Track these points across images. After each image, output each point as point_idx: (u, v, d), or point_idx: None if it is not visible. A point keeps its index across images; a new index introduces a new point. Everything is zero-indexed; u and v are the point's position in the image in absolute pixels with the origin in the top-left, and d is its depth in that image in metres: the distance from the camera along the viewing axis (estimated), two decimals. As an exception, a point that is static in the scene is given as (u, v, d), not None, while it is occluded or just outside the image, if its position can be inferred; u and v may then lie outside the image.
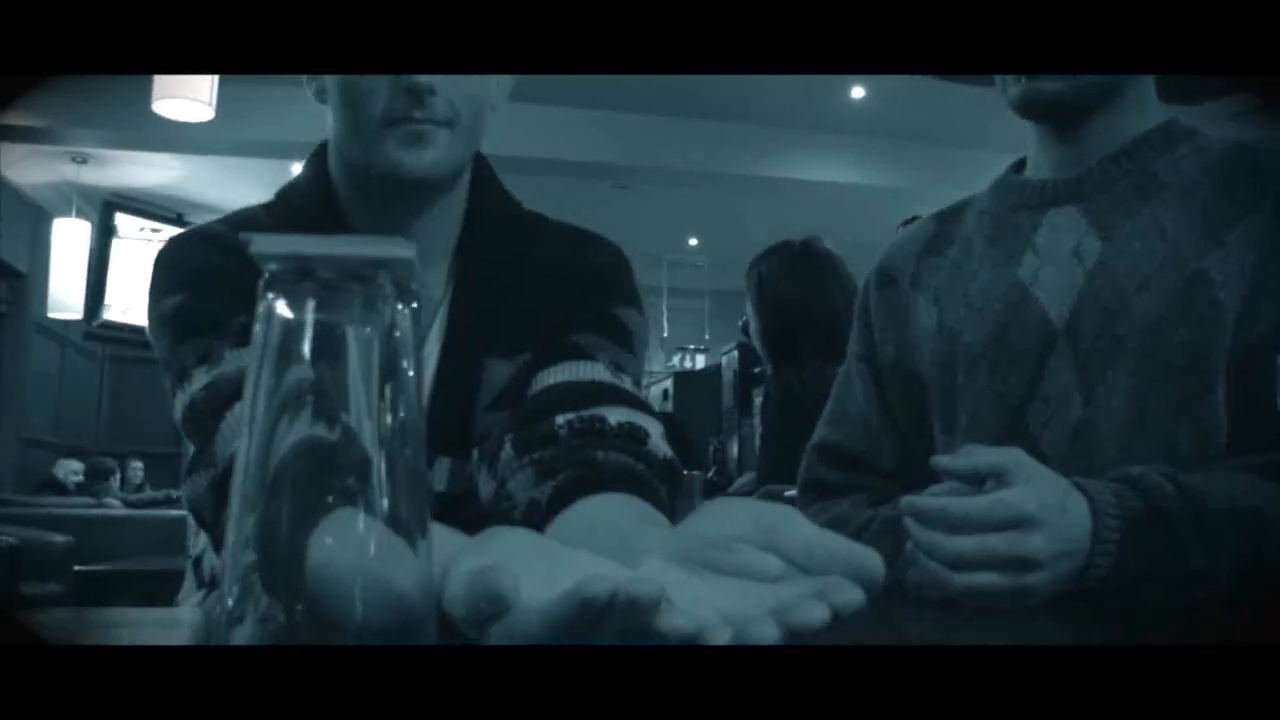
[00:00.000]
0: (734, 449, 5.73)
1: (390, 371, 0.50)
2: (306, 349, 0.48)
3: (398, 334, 0.49)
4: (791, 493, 1.44)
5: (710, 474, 4.23)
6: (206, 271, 1.05)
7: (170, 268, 1.09)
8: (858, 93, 6.41)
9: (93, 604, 4.86)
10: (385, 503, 0.48)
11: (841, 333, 2.34)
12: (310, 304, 0.48)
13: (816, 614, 0.46)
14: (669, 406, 7.19)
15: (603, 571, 0.48)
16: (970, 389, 1.14)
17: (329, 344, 0.49)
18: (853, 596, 0.47)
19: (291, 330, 0.48)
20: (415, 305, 0.50)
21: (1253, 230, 1.04)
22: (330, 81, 1.08)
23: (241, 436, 0.48)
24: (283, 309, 0.48)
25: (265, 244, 0.47)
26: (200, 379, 1.00)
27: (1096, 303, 1.07)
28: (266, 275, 0.48)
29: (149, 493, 7.63)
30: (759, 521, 0.55)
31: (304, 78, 1.13)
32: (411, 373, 0.50)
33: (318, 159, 1.16)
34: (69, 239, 7.47)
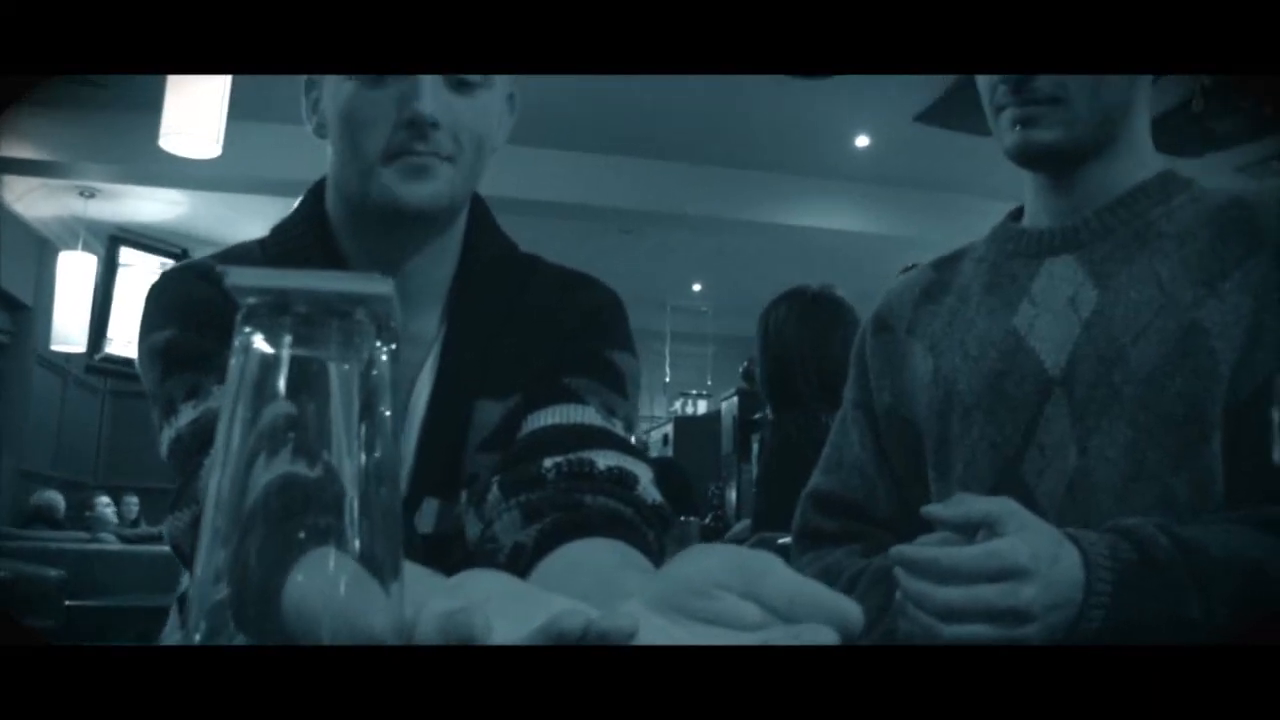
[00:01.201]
0: (732, 495, 5.71)
1: (367, 409, 0.49)
2: (282, 383, 0.48)
3: (375, 372, 0.49)
4: (785, 540, 1.42)
5: (708, 520, 4.21)
6: (197, 306, 1.04)
7: (161, 302, 1.08)
8: (862, 141, 6.44)
9: (86, 639, 4.83)
10: (358, 541, 0.48)
11: (840, 378, 2.34)
12: (287, 338, 0.48)
13: None
14: (669, 451, 7.18)
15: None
16: (965, 437, 1.13)
17: (305, 379, 0.48)
18: (824, 638, 0.47)
19: (268, 364, 0.48)
20: (394, 344, 0.50)
21: (1248, 280, 1.03)
22: (331, 115, 1.07)
23: (214, 470, 0.48)
24: (259, 343, 0.48)
25: (241, 277, 0.46)
26: (187, 414, 1.00)
27: (1093, 352, 1.07)
28: (244, 309, 0.48)
29: (145, 528, 7.61)
30: (741, 569, 0.54)
31: (305, 113, 1.13)
32: (388, 411, 0.50)
33: (314, 195, 1.15)
34: (74, 272, 7.49)
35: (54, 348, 7.64)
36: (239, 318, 0.48)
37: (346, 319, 0.48)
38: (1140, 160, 1.15)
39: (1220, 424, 1.01)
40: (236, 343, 0.48)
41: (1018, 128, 1.11)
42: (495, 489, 1.01)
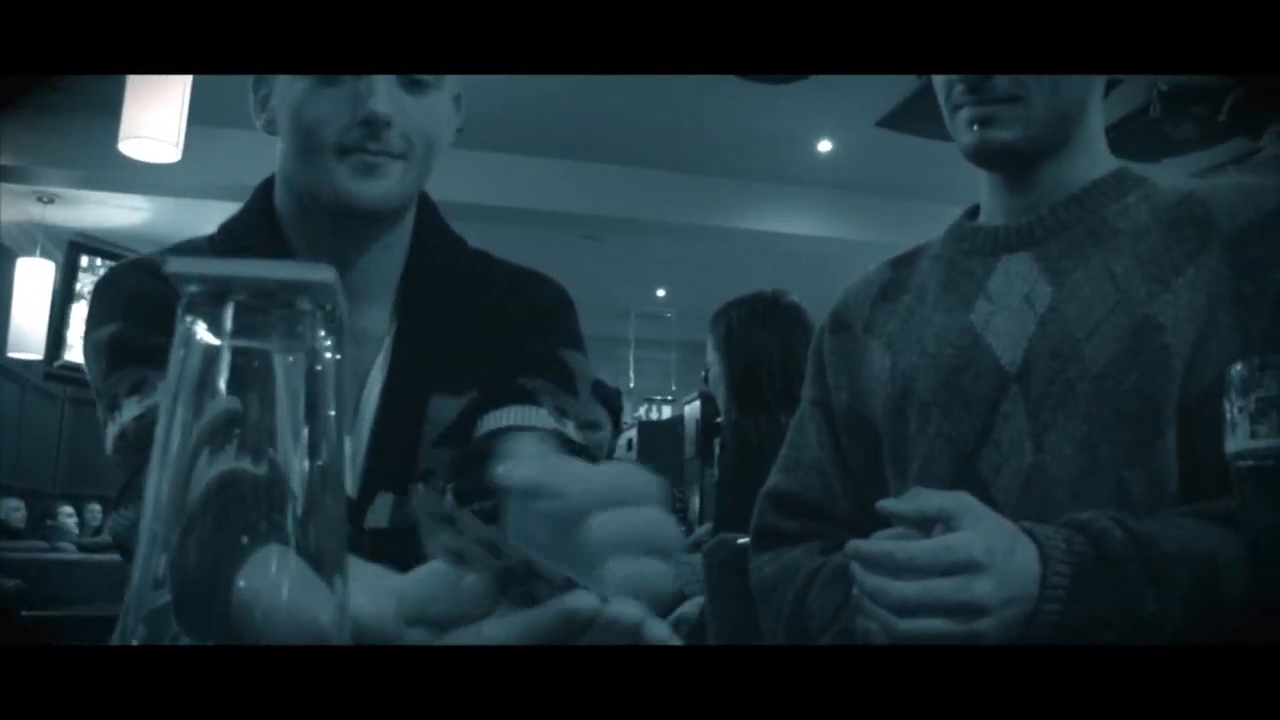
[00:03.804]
0: (695, 499, 5.70)
1: (311, 401, 0.49)
2: (224, 374, 0.47)
3: (319, 365, 0.48)
4: (745, 540, 1.42)
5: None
6: (142, 300, 1.04)
7: (107, 296, 1.08)
8: (824, 146, 6.47)
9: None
10: (302, 535, 0.47)
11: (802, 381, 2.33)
12: (229, 328, 0.47)
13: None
14: (632, 457, 7.16)
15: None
16: (922, 435, 1.13)
17: (247, 369, 0.47)
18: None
19: (209, 355, 0.47)
20: (339, 334, 0.49)
21: (1201, 276, 1.04)
22: (283, 112, 1.07)
23: (153, 470, 0.47)
24: (201, 333, 0.47)
25: (181, 265, 0.46)
26: (131, 409, 1.00)
27: (1048, 348, 1.07)
28: (184, 298, 0.47)
29: (106, 536, 7.52)
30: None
31: (253, 110, 1.13)
32: (333, 402, 0.49)
33: (262, 192, 1.16)
34: (32, 279, 7.41)
35: (11, 355, 7.56)
36: (179, 308, 0.47)
37: (289, 308, 0.47)
38: (1094, 159, 1.15)
39: (1174, 419, 1.01)
40: (177, 333, 0.47)
41: (975, 127, 1.11)
42: (450, 496, 1.03)
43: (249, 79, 1.13)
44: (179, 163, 4.63)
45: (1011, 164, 1.14)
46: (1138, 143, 4.95)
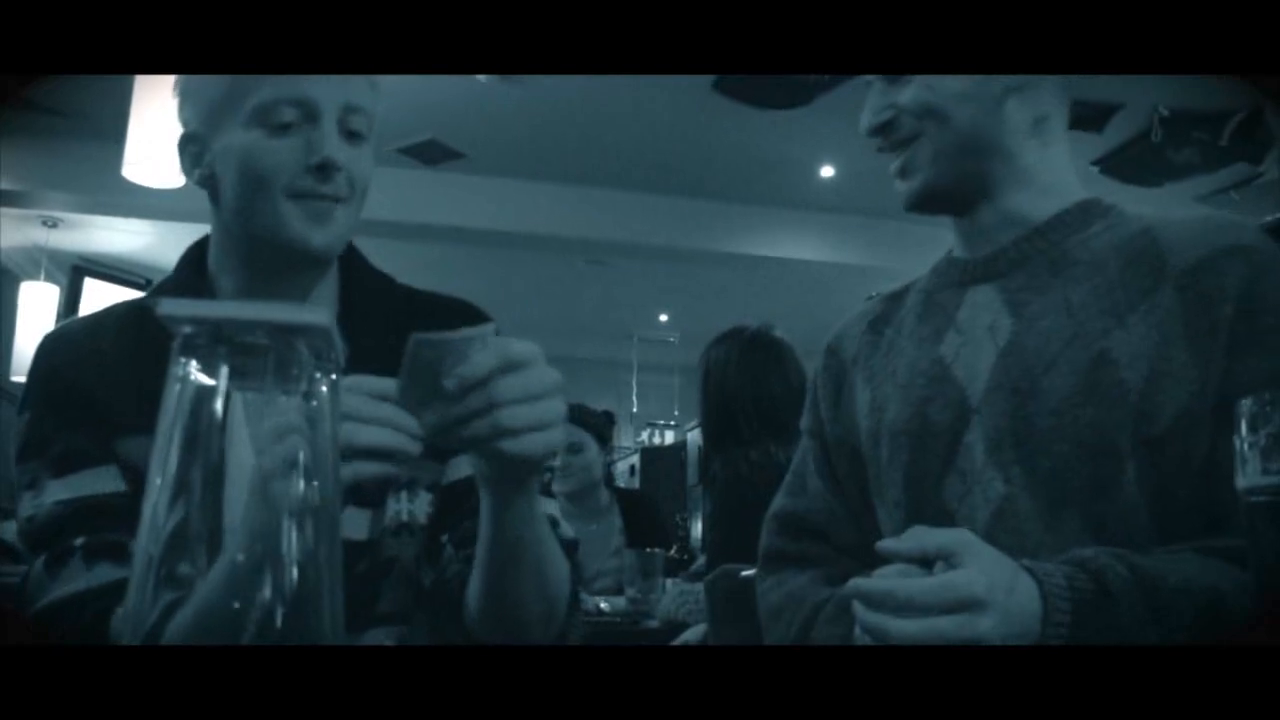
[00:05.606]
0: (697, 526, 5.70)
1: (309, 439, 0.49)
2: (220, 410, 0.47)
3: (314, 400, 0.48)
4: (749, 572, 1.42)
5: (672, 550, 4.20)
6: (55, 384, 1.13)
7: (32, 376, 1.16)
8: (827, 171, 6.48)
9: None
10: (294, 571, 0.47)
11: (779, 416, 2.36)
12: (224, 369, 0.47)
13: None
14: (635, 482, 7.16)
15: None
16: (894, 463, 1.15)
17: (242, 406, 0.48)
18: None
19: (203, 393, 0.47)
20: (335, 373, 0.49)
21: (1154, 315, 1.04)
22: (230, 161, 1.12)
23: (149, 488, 0.48)
24: (195, 373, 0.47)
25: (174, 307, 0.46)
26: (27, 506, 1.08)
27: (1007, 382, 1.09)
28: (179, 340, 0.47)
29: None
30: None
31: (184, 165, 1.18)
32: (327, 436, 0.49)
33: (193, 255, 1.23)
34: (36, 302, 7.42)
35: (14, 379, 7.56)
36: (174, 348, 0.47)
37: (284, 350, 0.47)
38: (1046, 192, 1.16)
39: (1131, 454, 1.01)
40: (171, 372, 0.47)
41: (897, 181, 1.16)
42: (449, 547, 1.16)
43: (179, 137, 1.18)
44: (182, 188, 4.64)
45: (941, 208, 1.18)
46: (1139, 167, 4.95)
